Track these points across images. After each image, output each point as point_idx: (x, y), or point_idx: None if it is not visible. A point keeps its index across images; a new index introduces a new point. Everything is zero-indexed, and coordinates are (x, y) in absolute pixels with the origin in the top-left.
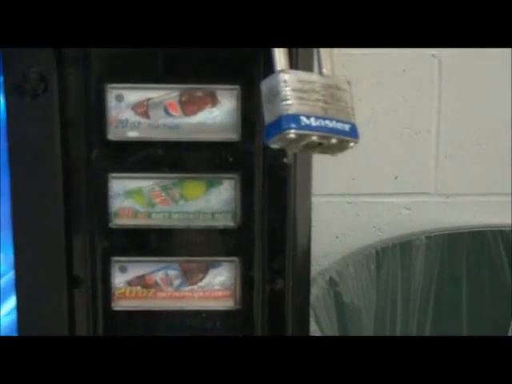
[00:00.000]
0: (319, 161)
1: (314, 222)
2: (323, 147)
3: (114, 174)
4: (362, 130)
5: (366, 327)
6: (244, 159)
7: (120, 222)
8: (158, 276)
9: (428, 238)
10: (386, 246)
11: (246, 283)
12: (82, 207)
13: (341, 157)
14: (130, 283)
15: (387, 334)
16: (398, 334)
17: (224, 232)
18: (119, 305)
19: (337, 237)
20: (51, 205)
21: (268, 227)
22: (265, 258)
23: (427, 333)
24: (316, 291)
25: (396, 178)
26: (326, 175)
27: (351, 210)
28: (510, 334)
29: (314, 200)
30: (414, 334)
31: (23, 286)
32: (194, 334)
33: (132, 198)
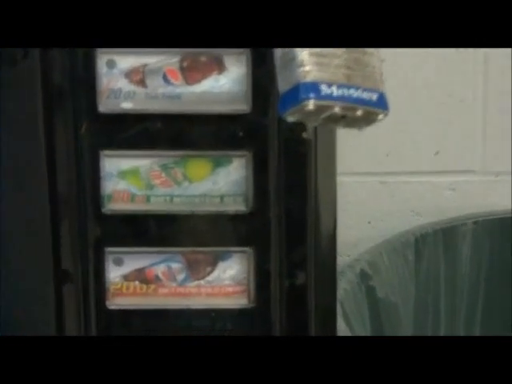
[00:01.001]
0: (345, 134)
1: (340, 206)
2: (347, 120)
3: (107, 152)
4: (394, 100)
5: (404, 326)
6: (256, 134)
7: (114, 206)
8: (159, 269)
9: (475, 222)
10: (426, 232)
11: (262, 277)
12: (69, 190)
13: (371, 130)
14: (126, 278)
15: (429, 332)
16: (442, 334)
17: (235, 218)
18: (114, 303)
19: (368, 222)
20: (34, 188)
21: (286, 212)
22: (283, 247)
23: (477, 332)
24: (344, 285)
25: (437, 153)
26: (355, 151)
27: (385, 191)
28: None
29: (341, 180)
30: (461, 333)
31: (5, 282)
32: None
33: (127, 179)
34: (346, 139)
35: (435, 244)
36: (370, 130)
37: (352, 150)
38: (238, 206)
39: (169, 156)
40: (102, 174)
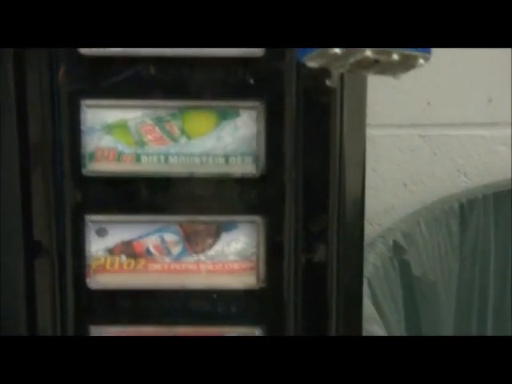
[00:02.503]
0: (377, 81)
1: (370, 165)
2: (381, 66)
3: (89, 102)
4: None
5: (444, 310)
6: (270, 81)
7: (97, 167)
8: (151, 242)
9: None
10: (474, 198)
11: (273, 252)
12: (44, 147)
13: (409, 75)
14: (111, 251)
15: (474, 317)
16: (491, 317)
17: (242, 182)
18: (96, 281)
19: (404, 184)
20: (2, 143)
21: (304, 174)
22: (299, 216)
23: None
24: (373, 260)
25: (489, 101)
26: (388, 98)
27: (425, 147)
28: None
29: (371, 133)
30: None
31: None
32: (200, 323)
33: (114, 134)
34: (377, 86)
35: (485, 211)
36: (407, 75)
37: (385, 97)
38: (246, 168)
39: (164, 107)
40: (84, 127)
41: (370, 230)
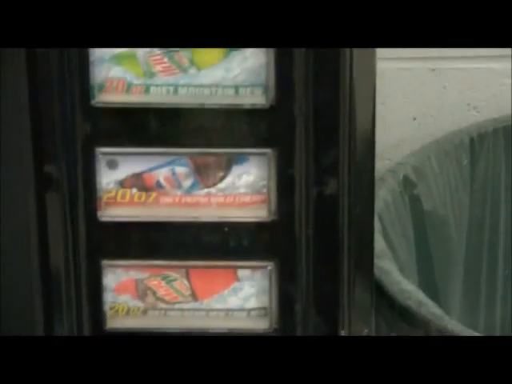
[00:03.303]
0: None
1: (381, 98)
2: None
3: None
4: None
5: (455, 245)
6: None
7: (106, 98)
8: (161, 174)
9: None
10: (484, 132)
11: (284, 185)
12: (51, 78)
13: None
14: (122, 184)
15: (485, 254)
16: (502, 250)
17: (252, 113)
18: (107, 213)
19: (414, 118)
20: (9, 77)
21: (314, 106)
22: (310, 149)
23: None
24: (384, 195)
25: None
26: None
27: (435, 80)
28: None
29: (381, 66)
30: None
31: None
32: (211, 256)
33: (122, 64)
34: None
35: (495, 146)
36: None
37: None
38: (256, 99)
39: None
40: (92, 58)
41: (380, 164)
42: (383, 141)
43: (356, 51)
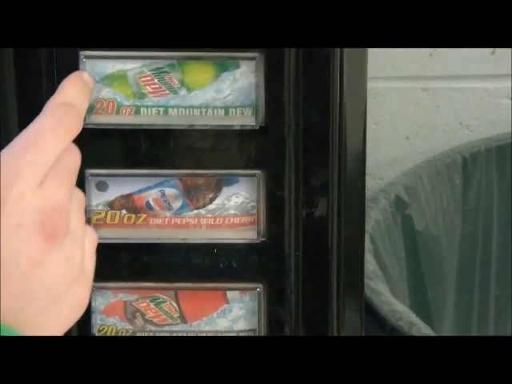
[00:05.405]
0: None
1: (372, 118)
2: None
3: (87, 53)
4: None
5: (447, 265)
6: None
7: (96, 119)
8: (151, 196)
9: None
10: (477, 151)
11: (274, 207)
12: (40, 99)
13: None
14: (111, 205)
15: (477, 270)
16: (494, 271)
17: (242, 134)
18: (97, 235)
19: (407, 138)
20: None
21: (304, 127)
22: (299, 170)
23: None
24: (375, 215)
25: (493, 53)
26: (391, 50)
27: (427, 100)
28: None
29: (373, 86)
30: None
31: None
32: (201, 278)
33: (112, 85)
34: None
35: (488, 165)
36: None
37: (386, 48)
38: (246, 120)
39: (163, 58)
40: None
41: (372, 184)
42: (376, 160)
43: (346, 72)
